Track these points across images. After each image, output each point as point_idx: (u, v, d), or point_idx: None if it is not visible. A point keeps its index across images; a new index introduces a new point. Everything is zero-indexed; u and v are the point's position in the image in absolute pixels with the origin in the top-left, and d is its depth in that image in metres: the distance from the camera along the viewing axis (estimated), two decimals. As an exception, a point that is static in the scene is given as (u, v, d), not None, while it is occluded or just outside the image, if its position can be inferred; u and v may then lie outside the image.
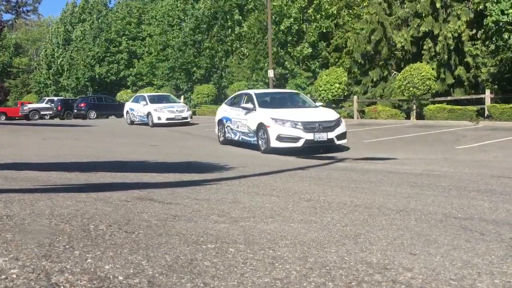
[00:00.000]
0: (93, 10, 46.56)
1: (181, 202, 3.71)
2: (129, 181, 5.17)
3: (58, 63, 46.59)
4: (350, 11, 26.56)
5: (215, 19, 31.76)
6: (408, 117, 18.23)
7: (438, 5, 18.68)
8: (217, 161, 7.84)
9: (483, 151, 9.60)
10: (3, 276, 1.80)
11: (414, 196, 4.39)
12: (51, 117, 31.18)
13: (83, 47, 43.05)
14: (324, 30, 25.81)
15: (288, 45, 25.91)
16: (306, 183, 5.40)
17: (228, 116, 11.98)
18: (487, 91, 16.31)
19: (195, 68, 32.52)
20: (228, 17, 31.33)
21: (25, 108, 32.00)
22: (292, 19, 25.20)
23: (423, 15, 19.19)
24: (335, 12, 25.89)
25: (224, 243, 2.47)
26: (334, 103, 21.08)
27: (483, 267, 2.22)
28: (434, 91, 17.94)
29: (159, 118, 19.00)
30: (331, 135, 9.93)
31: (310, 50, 25.36)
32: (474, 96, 17.54)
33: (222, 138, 12.30)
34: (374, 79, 21.28)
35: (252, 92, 12.02)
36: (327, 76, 21.22)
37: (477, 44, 18.35)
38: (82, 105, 29.67)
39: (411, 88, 17.13)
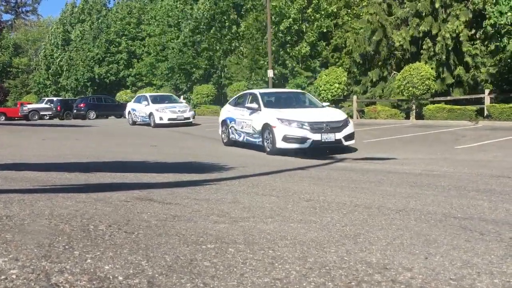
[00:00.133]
0: (93, 10, 46.57)
1: (180, 202, 3.71)
2: (128, 181, 5.17)
3: (57, 63, 46.56)
4: (349, 11, 26.56)
5: (213, 20, 31.76)
6: (407, 117, 18.22)
7: (437, 5, 18.68)
8: (217, 161, 7.84)
9: (482, 151, 9.60)
10: (2, 277, 1.80)
11: (413, 196, 4.39)
12: (51, 118, 31.14)
13: (83, 47, 43.04)
14: (324, 30, 25.81)
15: (288, 45, 25.91)
16: (305, 183, 5.40)
17: (232, 116, 11.67)
18: (487, 91, 16.30)
19: (194, 69, 32.52)
20: (225, 17, 31.32)
21: (24, 108, 31.94)
22: (291, 20, 25.20)
23: (424, 14, 19.19)
24: (334, 10, 25.88)
25: (223, 243, 2.46)
26: (333, 103, 21.06)
27: (483, 267, 2.22)
28: (433, 91, 17.92)
29: (161, 119, 18.89)
30: (339, 135, 9.61)
31: (308, 48, 25.33)
32: (473, 96, 17.51)
33: (226, 139, 11.97)
34: (374, 79, 21.27)
35: (257, 91, 11.66)
36: (326, 76, 21.25)
37: (476, 44, 18.37)
38: (81, 105, 29.69)
39: (410, 88, 17.13)
